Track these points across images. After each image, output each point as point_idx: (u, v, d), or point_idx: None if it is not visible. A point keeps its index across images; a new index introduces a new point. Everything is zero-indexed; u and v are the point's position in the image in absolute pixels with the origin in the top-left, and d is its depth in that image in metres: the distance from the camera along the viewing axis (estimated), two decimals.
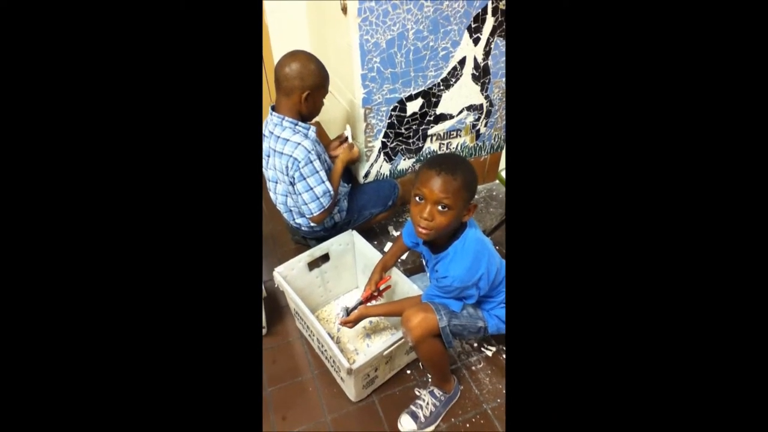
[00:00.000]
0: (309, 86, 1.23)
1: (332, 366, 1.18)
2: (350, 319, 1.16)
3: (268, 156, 1.34)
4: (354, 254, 1.42)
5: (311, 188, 1.27)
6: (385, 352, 1.04)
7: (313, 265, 1.33)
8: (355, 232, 1.37)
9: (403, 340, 1.03)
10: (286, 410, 1.16)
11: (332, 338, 1.07)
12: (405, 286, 1.24)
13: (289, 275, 1.26)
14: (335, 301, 1.46)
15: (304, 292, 1.29)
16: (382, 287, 1.24)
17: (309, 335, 1.28)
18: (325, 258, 1.35)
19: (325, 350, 1.15)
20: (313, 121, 1.36)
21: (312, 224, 1.41)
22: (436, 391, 1.13)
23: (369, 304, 1.23)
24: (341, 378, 1.16)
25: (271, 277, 1.22)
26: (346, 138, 1.48)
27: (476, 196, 1.92)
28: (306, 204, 1.30)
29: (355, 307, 1.21)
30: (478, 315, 1.05)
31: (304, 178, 1.26)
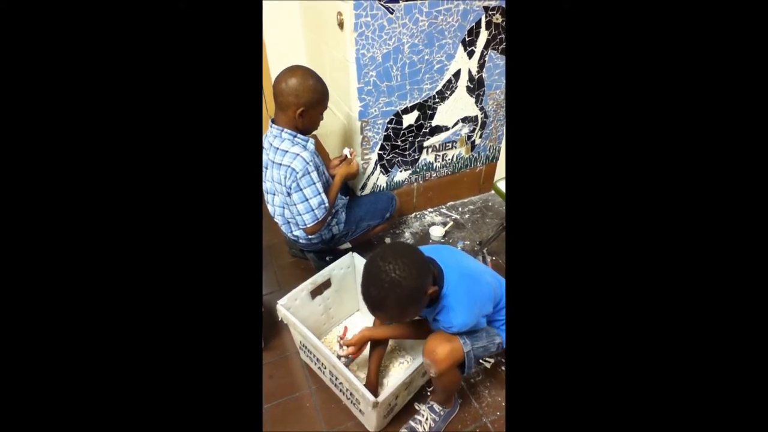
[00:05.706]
0: (304, 103, 1.23)
1: (349, 399, 1.13)
2: (353, 342, 1.11)
3: (266, 168, 1.34)
4: (355, 276, 1.38)
5: (307, 199, 1.27)
6: (407, 379, 1.00)
7: (316, 292, 1.28)
8: (355, 254, 1.34)
9: (420, 364, 0.99)
10: (283, 427, 1.14)
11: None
12: None
13: (292, 306, 1.20)
14: (336, 329, 1.42)
15: (307, 321, 1.23)
16: None
17: (319, 368, 1.22)
18: (326, 284, 1.31)
19: (341, 383, 1.10)
20: (311, 134, 1.37)
21: (309, 236, 1.40)
22: (436, 406, 1.12)
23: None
24: (360, 410, 1.10)
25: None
26: (346, 156, 1.48)
27: (472, 207, 1.92)
28: (300, 215, 1.30)
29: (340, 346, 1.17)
30: (493, 331, 1.04)
31: (301, 189, 1.26)
